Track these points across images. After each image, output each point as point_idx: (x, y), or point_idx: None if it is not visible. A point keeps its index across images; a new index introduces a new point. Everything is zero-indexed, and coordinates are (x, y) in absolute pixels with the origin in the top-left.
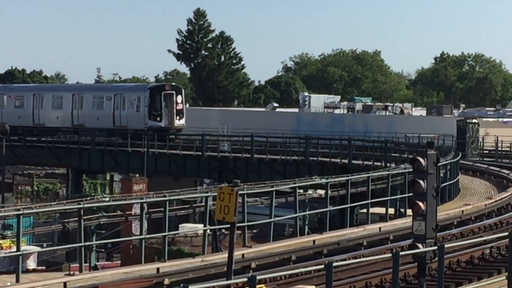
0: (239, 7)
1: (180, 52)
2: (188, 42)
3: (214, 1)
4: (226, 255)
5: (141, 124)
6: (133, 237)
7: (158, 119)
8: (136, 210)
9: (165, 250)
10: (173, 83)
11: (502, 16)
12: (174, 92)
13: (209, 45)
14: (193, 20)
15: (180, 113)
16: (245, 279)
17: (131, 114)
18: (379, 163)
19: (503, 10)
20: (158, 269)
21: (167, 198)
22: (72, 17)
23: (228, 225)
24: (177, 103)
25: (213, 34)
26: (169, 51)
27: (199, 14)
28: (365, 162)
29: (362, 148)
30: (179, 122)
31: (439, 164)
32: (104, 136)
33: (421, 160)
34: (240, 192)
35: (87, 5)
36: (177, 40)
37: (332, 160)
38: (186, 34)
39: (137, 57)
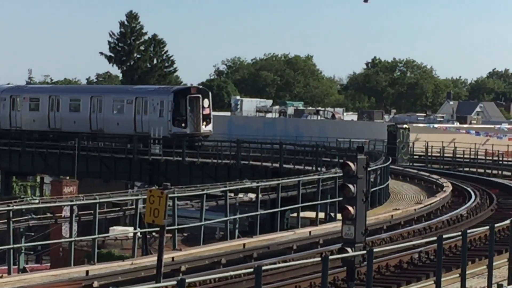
0: (171, 10)
1: (112, 55)
2: (120, 44)
3: (147, 4)
4: (156, 258)
5: (165, 131)
6: (63, 240)
7: (183, 125)
8: (66, 212)
9: (94, 253)
10: (200, 86)
11: (433, 22)
12: (200, 95)
13: (142, 47)
14: (126, 23)
15: (207, 118)
16: (175, 282)
17: (154, 119)
18: (310, 167)
19: (435, 17)
20: (87, 271)
21: (97, 201)
22: (2, 17)
23: (158, 228)
24: (203, 107)
25: (146, 37)
26: (101, 53)
27: (132, 17)
28: (296, 166)
29: (293, 152)
30: (206, 128)
31: (369, 169)
32: (124, 143)
33: (351, 164)
34: (170, 195)
35: (18, 5)
36: (109, 42)
37: (263, 164)
38: (118, 36)
39: (69, 59)
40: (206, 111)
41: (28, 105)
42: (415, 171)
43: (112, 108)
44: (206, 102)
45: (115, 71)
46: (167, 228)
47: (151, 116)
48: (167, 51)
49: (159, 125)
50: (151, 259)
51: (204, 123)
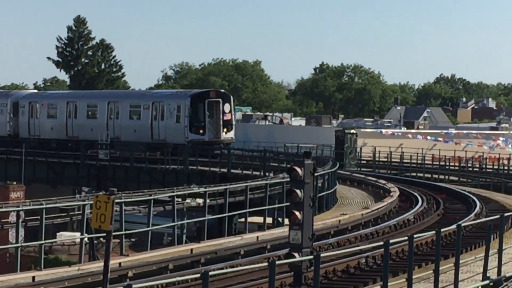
0: (119, 15)
1: (60, 60)
2: (68, 49)
3: (95, 9)
4: (103, 263)
5: (181, 138)
6: (9, 245)
7: (201, 131)
8: (12, 218)
9: (41, 259)
10: (221, 90)
11: (381, 28)
12: (220, 99)
13: (89, 52)
14: (73, 28)
15: (228, 124)
16: None
17: (170, 125)
18: (258, 173)
19: (382, 23)
20: (33, 277)
21: (43, 206)
22: None
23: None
24: (224, 112)
25: (93, 42)
26: (49, 58)
27: (79, 22)
28: (244, 171)
29: (241, 157)
30: (226, 135)
31: (316, 174)
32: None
33: (298, 169)
34: (117, 200)
35: None
36: (57, 47)
37: (211, 169)
38: (66, 41)
39: (16, 64)
40: (227, 117)
41: (46, 112)
42: (363, 176)
43: (129, 114)
44: (227, 107)
45: (63, 76)
46: (114, 233)
47: (168, 122)
48: (115, 56)
49: (175, 132)
50: (98, 265)
51: (225, 129)
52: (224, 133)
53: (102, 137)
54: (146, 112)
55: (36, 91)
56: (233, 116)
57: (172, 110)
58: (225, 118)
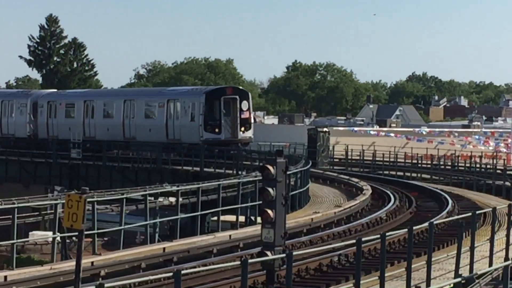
0: (92, 13)
1: (32, 58)
2: (40, 48)
3: (67, 8)
4: (75, 262)
5: (196, 137)
6: None
7: (217, 130)
8: None
9: (13, 258)
10: (238, 86)
11: (353, 26)
12: (237, 97)
13: (62, 51)
14: (46, 26)
15: (246, 123)
16: (93, 287)
17: (185, 124)
18: (230, 171)
19: (354, 21)
20: (5, 277)
21: (15, 205)
22: None
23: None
24: (241, 110)
25: (66, 41)
26: (21, 57)
27: (52, 20)
28: (217, 170)
29: (214, 156)
30: (244, 135)
31: (288, 172)
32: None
33: (270, 168)
34: (89, 199)
35: None
36: (29, 46)
37: (184, 167)
38: (38, 40)
39: None
40: (245, 115)
41: (64, 112)
42: (335, 174)
43: (144, 112)
44: (244, 105)
45: (35, 75)
46: (86, 232)
47: (183, 120)
48: (87, 55)
49: (190, 131)
50: (71, 264)
51: (243, 128)
52: (241, 132)
53: (117, 137)
54: (161, 110)
55: (55, 90)
56: (252, 114)
57: (186, 108)
58: (242, 116)
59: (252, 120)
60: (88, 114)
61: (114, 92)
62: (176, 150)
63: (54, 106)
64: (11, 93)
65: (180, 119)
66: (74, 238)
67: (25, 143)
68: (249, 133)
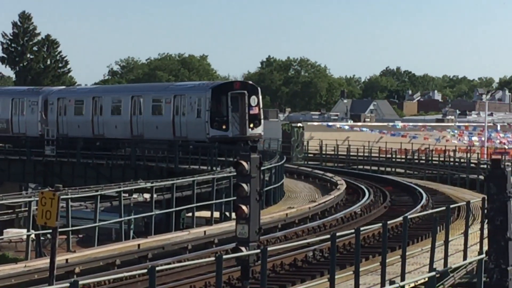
0: (64, 10)
1: (5, 56)
2: (13, 45)
3: (40, 4)
4: (49, 260)
5: (202, 134)
6: None
7: (224, 127)
8: None
9: None
10: (248, 81)
11: (326, 21)
12: (245, 92)
13: (35, 48)
14: (18, 23)
15: (255, 119)
16: (68, 284)
17: (191, 121)
18: (205, 167)
19: (328, 16)
20: None
21: None
22: None
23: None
24: (250, 106)
25: (39, 37)
26: None
27: (25, 17)
28: (192, 166)
29: (188, 152)
30: (253, 131)
31: (262, 168)
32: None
33: (244, 163)
34: (62, 196)
35: None
36: (2, 43)
37: (159, 164)
38: (11, 37)
39: None
40: (254, 111)
41: (73, 109)
42: (310, 169)
43: (151, 109)
44: (253, 100)
45: (8, 72)
46: (61, 229)
47: (189, 117)
48: (60, 52)
49: (196, 128)
50: (45, 261)
51: (252, 124)
52: (250, 129)
53: (125, 135)
54: (168, 106)
55: (64, 87)
56: (261, 110)
57: (193, 103)
58: (251, 112)
59: (262, 116)
60: (96, 111)
61: (121, 88)
62: (182, 148)
63: (63, 103)
64: (22, 90)
65: (186, 116)
66: (48, 235)
67: (37, 142)
68: (259, 130)
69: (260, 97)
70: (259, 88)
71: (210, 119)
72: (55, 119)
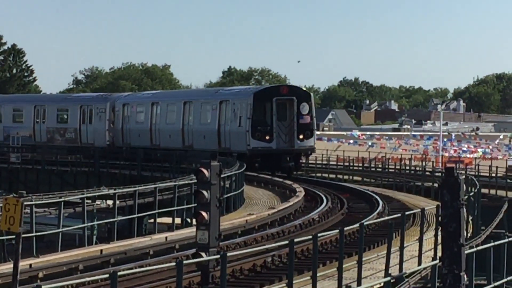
0: (31, 20)
1: None
2: None
3: (6, 14)
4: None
5: (243, 145)
6: None
7: (267, 137)
8: None
9: None
10: (298, 86)
11: (286, 32)
12: (294, 98)
13: (1, 57)
14: None
15: (306, 129)
16: None
17: (234, 130)
18: (167, 175)
19: (287, 27)
20: None
21: None
22: None
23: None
24: (300, 114)
25: (5, 47)
26: None
27: None
28: (154, 173)
29: (151, 160)
30: (303, 143)
31: (223, 175)
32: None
33: (205, 171)
34: (26, 202)
35: None
36: None
37: (122, 171)
38: None
39: None
40: (305, 120)
41: (135, 117)
42: (269, 176)
43: (200, 116)
44: (304, 108)
45: None
46: (25, 235)
47: (232, 126)
48: (26, 61)
49: (238, 138)
50: (9, 266)
51: (301, 135)
52: (299, 140)
53: (177, 144)
54: (214, 114)
55: (131, 92)
56: (314, 119)
57: (236, 111)
58: (301, 121)
59: (315, 126)
60: (153, 119)
61: (175, 94)
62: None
63: (127, 110)
64: (91, 97)
65: (229, 124)
66: (13, 241)
67: (104, 153)
68: (310, 142)
69: (313, 104)
70: (311, 94)
71: (251, 128)
72: (120, 128)
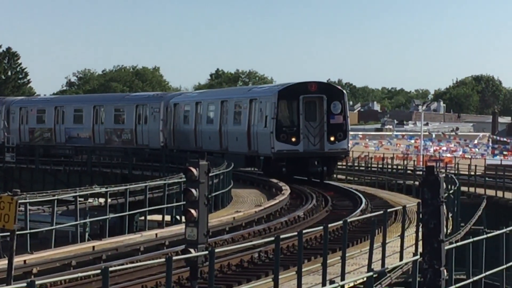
0: (25, 23)
1: None
2: None
3: (1, 18)
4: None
5: (268, 148)
6: None
7: (293, 139)
8: None
9: None
10: (329, 83)
11: (274, 35)
12: (324, 96)
13: None
14: None
15: (338, 130)
16: (25, 284)
17: (260, 131)
18: (157, 173)
19: (275, 30)
20: None
21: None
22: None
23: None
24: (331, 114)
25: (0, 50)
26: None
27: None
28: (144, 173)
29: (142, 159)
30: (334, 146)
31: (211, 174)
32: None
33: (194, 170)
34: (21, 201)
35: None
36: None
37: (113, 170)
38: None
39: None
40: (336, 120)
41: (182, 117)
42: (256, 175)
43: (233, 117)
44: (336, 107)
45: None
46: (19, 232)
47: (259, 126)
48: (20, 64)
49: (263, 140)
50: (3, 263)
51: (332, 137)
52: (329, 142)
53: (216, 147)
54: (244, 114)
55: (184, 91)
56: (347, 119)
57: (262, 110)
58: (332, 121)
59: (348, 127)
60: (197, 120)
61: (214, 93)
62: (252, 165)
63: (177, 110)
64: (146, 96)
65: (257, 125)
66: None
67: (159, 155)
68: (343, 144)
69: (346, 103)
70: (344, 92)
71: (275, 129)
72: (169, 128)
